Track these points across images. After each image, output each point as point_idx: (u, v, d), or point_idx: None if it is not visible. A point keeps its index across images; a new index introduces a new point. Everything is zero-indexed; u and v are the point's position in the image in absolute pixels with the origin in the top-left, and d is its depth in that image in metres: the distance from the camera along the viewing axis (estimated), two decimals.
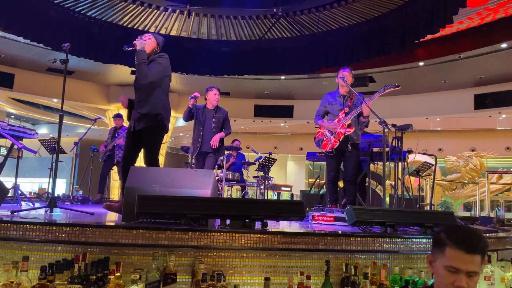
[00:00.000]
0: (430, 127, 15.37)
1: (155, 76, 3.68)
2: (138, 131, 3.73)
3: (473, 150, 14.45)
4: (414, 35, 8.54)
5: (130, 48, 3.71)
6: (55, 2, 8.92)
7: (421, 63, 11.04)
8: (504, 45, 9.69)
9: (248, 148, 13.73)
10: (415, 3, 8.35)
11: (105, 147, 7.54)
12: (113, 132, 7.65)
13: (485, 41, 9.75)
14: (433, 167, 6.59)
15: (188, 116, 5.46)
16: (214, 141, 5.35)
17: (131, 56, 3.98)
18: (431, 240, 1.62)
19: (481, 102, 12.10)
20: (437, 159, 6.43)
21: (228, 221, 2.72)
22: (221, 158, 6.09)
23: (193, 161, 5.49)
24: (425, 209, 7.55)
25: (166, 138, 15.69)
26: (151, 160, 3.73)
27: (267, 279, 2.23)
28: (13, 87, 12.38)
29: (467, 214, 13.87)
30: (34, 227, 2.26)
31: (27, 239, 2.27)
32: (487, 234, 3.33)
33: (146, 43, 3.76)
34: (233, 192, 10.37)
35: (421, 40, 8.98)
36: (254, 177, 8.91)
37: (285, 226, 3.42)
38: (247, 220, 2.61)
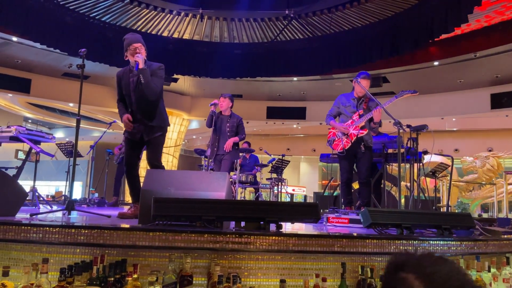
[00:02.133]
0: (445, 128, 15.14)
1: (159, 89, 3.82)
2: (146, 141, 3.85)
3: (490, 150, 14.19)
4: (428, 35, 8.44)
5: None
6: (71, 8, 9.09)
7: (436, 63, 10.90)
8: None
9: (261, 150, 13.74)
10: (429, 2, 8.24)
11: (120, 149, 7.62)
12: None
13: (501, 39, 9.58)
14: (449, 168, 6.49)
15: (210, 123, 5.69)
16: (228, 145, 5.61)
17: None
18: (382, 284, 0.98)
19: (498, 102, 11.89)
20: (454, 160, 6.34)
21: (243, 223, 2.72)
22: (235, 161, 6.25)
23: (211, 164, 5.78)
24: (441, 210, 7.44)
25: (180, 141, 15.78)
26: (157, 164, 3.86)
27: (282, 281, 2.23)
28: (30, 92, 12.66)
29: (485, 215, 13.62)
30: (54, 230, 2.30)
31: (47, 241, 2.31)
32: (505, 236, 3.26)
33: (144, 58, 3.73)
34: (247, 194, 10.38)
35: (435, 39, 8.86)
36: (267, 179, 8.91)
37: (300, 228, 3.41)
38: (261, 222, 2.62)
